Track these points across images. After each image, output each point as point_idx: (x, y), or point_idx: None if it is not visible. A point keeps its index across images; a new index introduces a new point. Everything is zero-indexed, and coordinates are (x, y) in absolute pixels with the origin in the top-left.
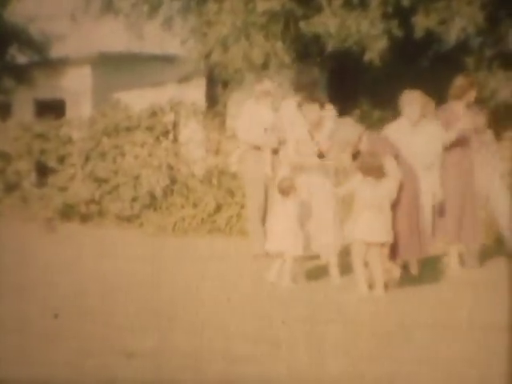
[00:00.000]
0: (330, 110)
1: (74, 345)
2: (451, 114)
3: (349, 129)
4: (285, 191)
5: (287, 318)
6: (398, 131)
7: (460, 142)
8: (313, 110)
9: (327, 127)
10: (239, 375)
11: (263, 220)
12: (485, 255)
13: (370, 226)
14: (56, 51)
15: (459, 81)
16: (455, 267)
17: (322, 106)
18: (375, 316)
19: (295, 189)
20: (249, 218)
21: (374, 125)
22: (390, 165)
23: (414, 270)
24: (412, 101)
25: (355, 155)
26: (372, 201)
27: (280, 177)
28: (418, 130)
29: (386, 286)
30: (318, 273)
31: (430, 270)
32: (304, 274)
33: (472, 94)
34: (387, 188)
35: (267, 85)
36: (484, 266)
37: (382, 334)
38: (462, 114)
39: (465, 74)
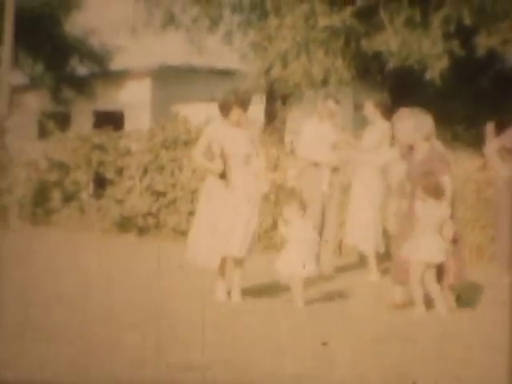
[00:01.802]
0: None
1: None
2: None
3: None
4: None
5: (340, 335)
6: None
7: None
8: None
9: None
10: None
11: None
12: None
13: (430, 246)
14: (116, 63)
15: None
16: None
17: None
18: (434, 336)
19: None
20: None
21: None
22: (446, 185)
23: None
24: (401, 120)
25: (407, 153)
26: (432, 221)
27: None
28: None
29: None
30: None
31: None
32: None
33: None
34: (447, 208)
35: (331, 105)
36: None
37: (440, 354)
38: None
39: None
